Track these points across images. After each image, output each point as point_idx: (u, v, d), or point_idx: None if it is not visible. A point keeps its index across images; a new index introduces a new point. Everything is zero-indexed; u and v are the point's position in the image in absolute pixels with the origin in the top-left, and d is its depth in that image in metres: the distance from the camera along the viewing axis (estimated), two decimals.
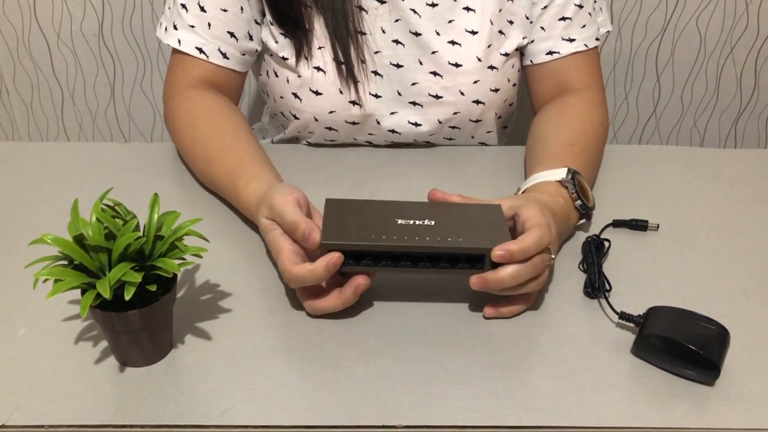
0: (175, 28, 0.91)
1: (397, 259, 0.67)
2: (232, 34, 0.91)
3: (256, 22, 0.93)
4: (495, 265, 0.66)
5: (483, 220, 0.70)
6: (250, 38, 0.93)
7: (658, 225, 0.82)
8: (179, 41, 0.91)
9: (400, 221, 0.68)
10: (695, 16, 1.39)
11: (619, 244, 0.80)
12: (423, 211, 0.70)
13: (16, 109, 1.53)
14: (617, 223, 0.83)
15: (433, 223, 0.68)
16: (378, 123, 0.95)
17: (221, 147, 0.85)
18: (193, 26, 0.90)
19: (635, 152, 0.99)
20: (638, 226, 0.82)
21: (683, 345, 0.63)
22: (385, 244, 0.66)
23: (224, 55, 0.92)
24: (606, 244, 0.79)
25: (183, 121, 0.90)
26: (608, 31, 0.98)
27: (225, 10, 0.90)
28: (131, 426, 0.59)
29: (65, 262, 0.60)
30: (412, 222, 0.68)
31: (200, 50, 0.91)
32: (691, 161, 0.95)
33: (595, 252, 0.76)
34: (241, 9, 0.91)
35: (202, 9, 0.90)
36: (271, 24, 0.92)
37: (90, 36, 1.42)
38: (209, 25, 0.90)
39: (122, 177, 0.90)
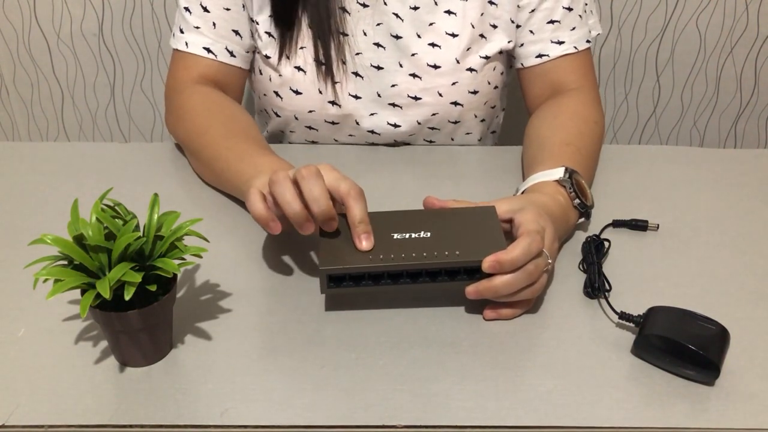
0: (182, 31, 0.92)
1: (396, 277, 0.67)
2: (236, 32, 0.92)
3: (251, 20, 0.93)
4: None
5: (478, 226, 0.70)
6: (251, 35, 0.94)
7: (658, 225, 0.82)
8: (186, 43, 0.92)
9: (396, 236, 0.69)
10: (695, 16, 1.39)
11: (619, 244, 0.80)
12: (418, 222, 0.70)
13: (16, 109, 1.53)
14: (617, 223, 0.83)
15: (429, 234, 0.69)
16: (357, 123, 0.96)
17: (241, 129, 0.86)
18: (198, 27, 0.91)
19: (635, 152, 0.99)
20: (638, 226, 0.82)
21: (683, 345, 0.63)
22: (384, 264, 0.66)
23: (231, 54, 0.93)
24: (606, 244, 0.79)
25: (196, 109, 0.90)
26: (599, 34, 0.98)
27: (228, 9, 0.91)
28: (131, 426, 0.59)
29: (65, 262, 0.60)
30: (408, 236, 0.69)
31: (208, 50, 0.92)
32: (691, 161, 0.95)
33: (595, 252, 0.76)
34: (243, 6, 0.91)
35: (205, 9, 0.90)
36: (257, 23, 0.92)
37: (90, 36, 1.42)
38: (214, 24, 0.91)
39: (122, 177, 0.90)
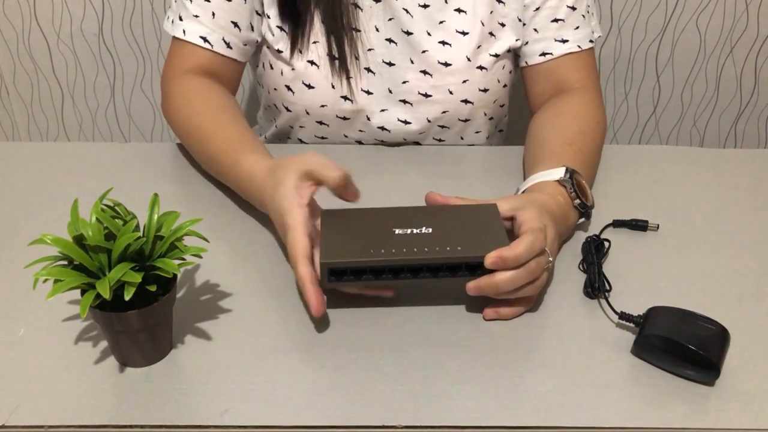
0: (181, 19, 0.92)
1: (397, 272, 0.67)
2: (235, 24, 0.92)
3: (257, 13, 0.94)
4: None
5: (480, 223, 0.70)
6: (252, 29, 0.94)
7: (658, 225, 0.82)
8: (184, 31, 0.92)
9: (397, 231, 0.68)
10: (695, 16, 1.39)
11: (619, 244, 0.80)
12: (420, 218, 0.70)
13: (16, 109, 1.53)
14: (617, 223, 0.82)
15: (430, 230, 0.68)
16: (368, 119, 0.96)
17: (218, 123, 0.86)
18: (197, 16, 0.91)
19: (635, 152, 0.99)
20: (638, 226, 0.82)
21: (683, 345, 0.63)
22: (385, 258, 0.66)
23: (228, 45, 0.93)
24: (606, 244, 0.79)
25: (178, 101, 0.91)
26: (599, 36, 0.98)
27: (229, 0, 0.91)
28: (131, 426, 0.59)
29: (65, 262, 0.60)
30: (409, 231, 0.68)
31: (204, 39, 0.92)
32: (691, 161, 0.95)
33: (595, 252, 0.76)
34: None
35: None
36: (268, 17, 0.92)
37: (90, 36, 1.42)
38: (213, 14, 0.91)
39: (122, 177, 0.90)
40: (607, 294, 0.72)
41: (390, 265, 0.66)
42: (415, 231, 0.68)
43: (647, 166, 0.94)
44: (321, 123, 0.97)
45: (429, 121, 0.96)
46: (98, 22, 1.40)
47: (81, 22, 1.40)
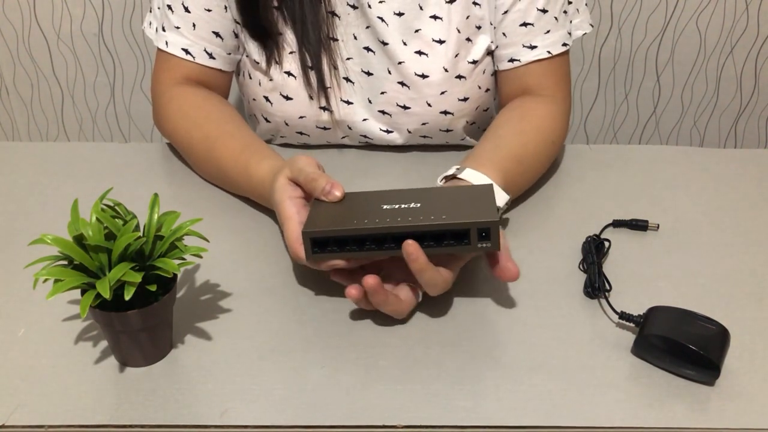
0: (164, 29, 0.92)
1: (380, 242, 0.65)
2: (217, 34, 0.91)
3: (237, 22, 0.92)
4: (483, 238, 0.64)
5: (471, 197, 0.68)
6: (236, 36, 0.93)
7: (658, 225, 0.82)
8: (167, 43, 0.91)
9: (385, 206, 0.67)
10: (695, 16, 1.39)
11: (619, 244, 0.80)
12: (410, 196, 0.69)
13: (16, 109, 1.53)
14: (617, 223, 0.83)
15: (419, 205, 0.67)
16: (350, 129, 0.95)
17: (222, 133, 0.86)
18: (178, 27, 0.90)
19: (635, 152, 0.99)
20: (638, 226, 0.82)
21: (683, 345, 0.63)
22: (368, 227, 0.64)
23: (210, 56, 0.92)
24: (606, 244, 0.79)
25: (175, 116, 0.90)
26: (585, 33, 0.94)
27: (209, 10, 0.89)
28: (131, 426, 0.59)
29: (65, 262, 0.60)
30: (397, 206, 0.67)
31: (186, 51, 0.91)
32: (691, 161, 0.95)
33: (595, 252, 0.76)
34: (225, 8, 0.90)
35: (187, 10, 0.89)
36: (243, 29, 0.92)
37: (90, 36, 1.42)
38: (194, 25, 0.90)
39: (122, 177, 0.90)
40: (607, 294, 0.72)
41: (373, 234, 0.65)
42: (402, 206, 0.67)
43: (647, 166, 0.94)
44: (301, 133, 0.96)
45: (409, 132, 0.95)
46: (98, 22, 1.40)
47: (81, 22, 1.40)
